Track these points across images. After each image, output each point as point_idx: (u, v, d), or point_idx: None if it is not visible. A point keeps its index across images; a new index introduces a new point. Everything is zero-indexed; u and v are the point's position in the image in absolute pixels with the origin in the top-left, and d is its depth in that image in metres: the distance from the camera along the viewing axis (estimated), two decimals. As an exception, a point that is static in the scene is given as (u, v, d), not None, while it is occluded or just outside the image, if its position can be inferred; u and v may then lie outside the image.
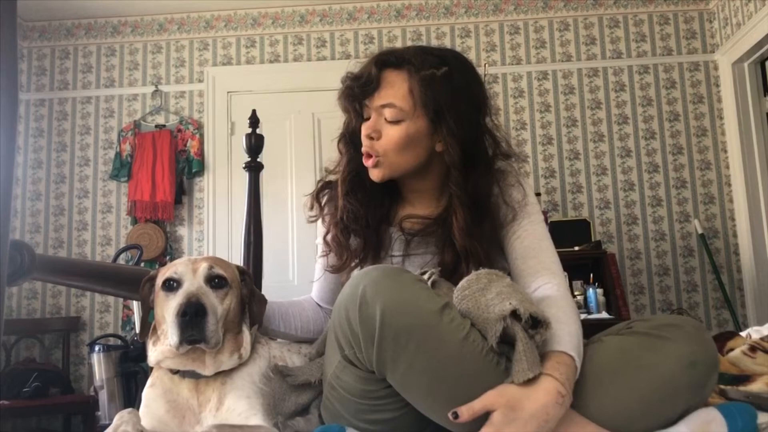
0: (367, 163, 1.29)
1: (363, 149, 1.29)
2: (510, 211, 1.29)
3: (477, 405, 0.94)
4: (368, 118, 1.29)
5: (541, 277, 1.20)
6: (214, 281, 1.12)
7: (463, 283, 1.06)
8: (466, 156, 1.26)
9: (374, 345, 0.98)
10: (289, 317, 1.36)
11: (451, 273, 1.23)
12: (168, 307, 1.09)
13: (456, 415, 0.93)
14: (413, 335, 0.97)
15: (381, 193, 1.35)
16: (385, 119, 1.26)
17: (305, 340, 1.37)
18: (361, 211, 1.31)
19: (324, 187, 1.41)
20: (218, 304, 1.10)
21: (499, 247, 1.29)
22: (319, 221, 1.41)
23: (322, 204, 1.40)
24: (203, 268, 1.12)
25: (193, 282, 1.10)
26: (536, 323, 0.97)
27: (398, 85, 1.26)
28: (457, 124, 1.24)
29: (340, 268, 1.34)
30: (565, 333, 1.02)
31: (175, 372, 1.12)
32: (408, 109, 1.25)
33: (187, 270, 1.12)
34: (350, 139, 1.35)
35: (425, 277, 1.10)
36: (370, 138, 1.27)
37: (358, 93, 1.28)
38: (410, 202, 1.37)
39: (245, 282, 1.21)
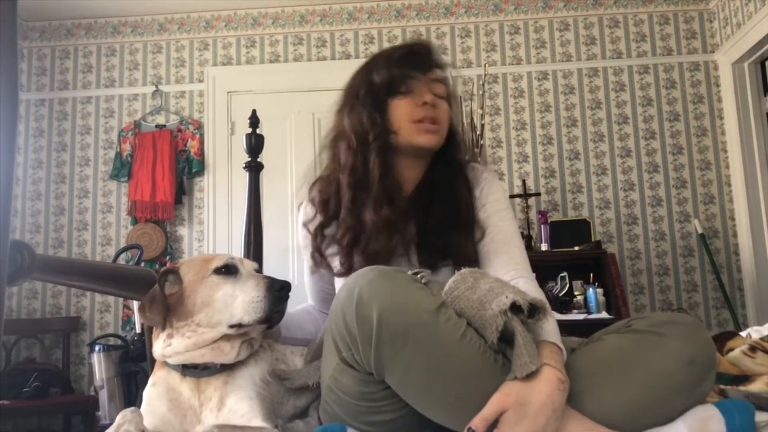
0: (431, 127, 1.33)
1: (423, 115, 1.32)
2: (478, 206, 1.34)
3: (488, 412, 0.94)
4: (404, 92, 1.34)
5: (513, 271, 1.23)
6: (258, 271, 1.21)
7: (449, 284, 1.07)
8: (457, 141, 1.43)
9: (372, 346, 0.97)
10: (303, 323, 1.39)
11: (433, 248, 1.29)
12: (229, 290, 1.13)
13: (472, 431, 0.93)
14: (411, 336, 0.97)
15: (384, 184, 1.35)
16: (437, 94, 1.36)
17: None
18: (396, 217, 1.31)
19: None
20: None
21: (472, 239, 1.31)
22: (305, 235, 1.42)
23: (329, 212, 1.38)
24: (248, 261, 1.21)
25: (248, 270, 1.18)
26: (533, 311, 0.99)
27: (439, 72, 1.41)
28: (456, 114, 1.44)
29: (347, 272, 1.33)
30: (550, 326, 1.04)
31: (185, 369, 1.13)
32: (449, 91, 1.41)
33: (237, 260, 1.19)
34: (383, 110, 1.35)
35: (418, 277, 1.10)
36: (433, 105, 1.34)
37: (424, 65, 1.36)
38: None
39: None
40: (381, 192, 1.31)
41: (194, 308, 1.13)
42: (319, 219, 1.38)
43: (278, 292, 1.12)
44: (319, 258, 1.37)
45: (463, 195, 1.35)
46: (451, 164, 1.40)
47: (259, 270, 1.23)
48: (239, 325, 1.11)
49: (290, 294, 1.16)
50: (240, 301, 1.11)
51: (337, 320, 1.03)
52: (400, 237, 1.30)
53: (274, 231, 3.66)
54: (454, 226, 1.30)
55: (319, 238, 1.37)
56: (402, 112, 1.34)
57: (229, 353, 1.12)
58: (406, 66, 1.35)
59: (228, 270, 1.16)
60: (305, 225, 1.42)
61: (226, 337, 1.12)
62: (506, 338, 0.98)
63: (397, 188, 1.34)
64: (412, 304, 0.99)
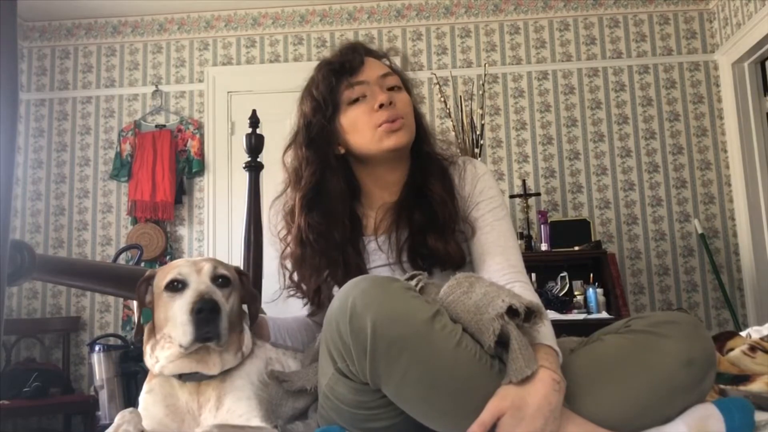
0: (394, 126, 1.26)
1: (385, 117, 1.25)
2: (471, 204, 1.30)
3: (486, 417, 0.94)
4: (354, 102, 1.28)
5: (509, 274, 1.21)
6: (219, 280, 1.13)
7: (444, 289, 1.06)
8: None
9: (367, 357, 0.96)
10: (295, 332, 1.36)
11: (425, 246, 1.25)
12: (175, 308, 1.08)
13: None
14: (406, 346, 0.95)
15: (343, 207, 1.31)
16: (388, 88, 1.29)
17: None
18: (324, 227, 1.28)
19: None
20: (224, 303, 1.10)
21: (454, 241, 1.28)
22: (271, 247, 1.40)
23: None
24: (208, 267, 1.12)
25: (199, 281, 1.10)
26: (529, 315, 0.98)
27: (380, 64, 1.33)
28: (416, 100, 1.36)
29: (312, 294, 1.32)
30: (546, 329, 1.03)
31: (179, 377, 1.12)
32: (402, 77, 1.35)
33: (191, 270, 1.11)
34: (319, 142, 1.30)
35: (413, 283, 1.09)
36: (390, 103, 1.26)
37: (347, 68, 1.28)
38: (371, 204, 1.35)
39: (243, 283, 1.21)
40: (299, 237, 1.28)
41: (160, 322, 1.11)
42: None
43: (198, 314, 1.04)
44: (312, 294, 1.34)
45: (438, 193, 1.28)
46: (422, 157, 1.34)
47: (222, 278, 1.13)
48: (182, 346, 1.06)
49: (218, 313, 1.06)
50: (179, 322, 1.06)
51: (331, 331, 1.01)
52: (385, 255, 1.29)
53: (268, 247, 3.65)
54: (434, 229, 1.26)
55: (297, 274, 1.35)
56: (361, 122, 1.27)
57: (213, 367, 1.10)
58: (332, 78, 1.28)
59: (176, 286, 1.09)
60: (282, 261, 1.39)
61: (205, 349, 1.09)
62: (502, 342, 0.98)
63: (328, 226, 1.28)
64: (406, 314, 0.97)
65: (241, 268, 1.91)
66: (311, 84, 1.33)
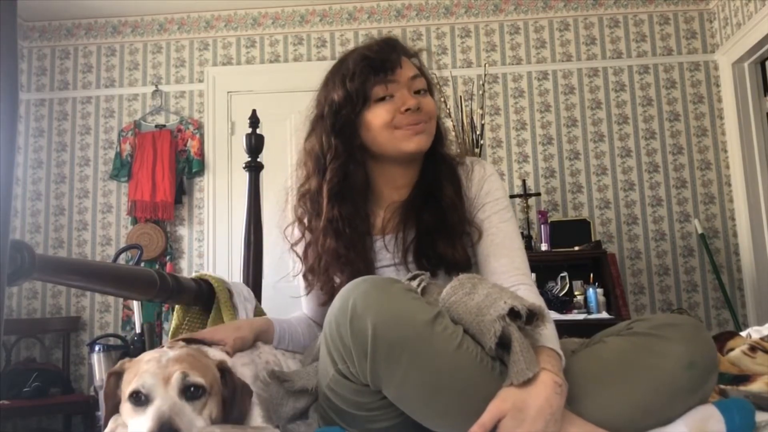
0: (417, 129, 1.27)
1: (408, 121, 1.26)
2: (477, 206, 1.30)
3: (486, 419, 0.93)
4: (382, 99, 1.27)
5: (514, 277, 1.21)
6: (190, 391, 0.95)
7: (447, 290, 1.05)
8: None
9: (367, 359, 0.96)
10: (298, 335, 1.36)
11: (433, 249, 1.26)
12: (134, 426, 0.94)
13: None
14: (406, 348, 0.95)
15: (363, 201, 1.32)
16: (416, 92, 1.29)
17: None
18: (355, 219, 1.28)
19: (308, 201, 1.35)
20: (196, 418, 0.94)
21: (461, 245, 1.28)
22: (293, 258, 1.38)
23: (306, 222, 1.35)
24: (176, 378, 0.94)
25: (165, 397, 0.93)
26: (530, 317, 0.98)
27: (411, 64, 1.33)
28: (438, 102, 1.38)
29: (330, 289, 1.31)
30: (548, 332, 1.03)
31: None
32: (428, 79, 1.34)
33: (157, 381, 0.94)
34: (347, 133, 1.30)
35: (415, 283, 1.08)
36: (417, 108, 1.27)
37: (387, 67, 1.26)
38: (380, 202, 1.35)
39: (225, 380, 1.03)
40: (333, 226, 1.28)
41: (125, 417, 0.99)
42: (304, 240, 1.36)
43: None
44: (311, 278, 1.35)
45: (449, 196, 1.29)
46: (435, 159, 1.34)
47: (195, 387, 0.96)
48: None
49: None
50: None
51: (332, 332, 1.01)
52: (391, 254, 1.29)
53: (274, 231, 3.65)
54: (443, 232, 1.26)
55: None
56: (385, 120, 1.27)
57: None
58: (369, 72, 1.26)
59: (139, 398, 0.94)
60: (293, 248, 1.39)
61: None
62: (504, 344, 0.97)
63: (356, 218, 1.28)
64: (406, 316, 0.97)
65: (241, 268, 1.92)
66: (345, 73, 1.30)
